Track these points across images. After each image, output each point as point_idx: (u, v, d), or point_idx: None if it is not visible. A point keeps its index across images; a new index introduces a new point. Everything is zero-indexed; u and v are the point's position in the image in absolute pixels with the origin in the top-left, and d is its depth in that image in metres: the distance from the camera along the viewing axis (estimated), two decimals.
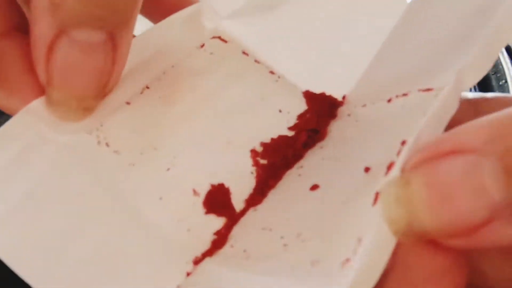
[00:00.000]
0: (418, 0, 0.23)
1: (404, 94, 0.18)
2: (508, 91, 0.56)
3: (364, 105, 0.21)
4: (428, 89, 0.17)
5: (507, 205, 0.13)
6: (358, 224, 0.15)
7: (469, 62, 0.17)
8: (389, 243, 0.14)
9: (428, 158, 0.14)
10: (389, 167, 0.15)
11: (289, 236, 0.17)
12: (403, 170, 0.14)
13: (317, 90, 0.23)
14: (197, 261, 0.18)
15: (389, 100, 0.19)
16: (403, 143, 0.15)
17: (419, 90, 0.18)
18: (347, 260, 0.14)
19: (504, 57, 0.57)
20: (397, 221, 0.14)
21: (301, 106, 0.23)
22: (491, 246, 0.13)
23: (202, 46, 0.23)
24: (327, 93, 0.23)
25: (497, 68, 0.57)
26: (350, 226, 0.15)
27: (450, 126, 0.18)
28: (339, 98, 0.23)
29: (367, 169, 0.16)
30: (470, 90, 0.59)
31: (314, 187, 0.18)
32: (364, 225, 0.14)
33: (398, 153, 0.15)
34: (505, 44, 0.17)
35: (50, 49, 0.17)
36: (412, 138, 0.15)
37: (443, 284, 0.15)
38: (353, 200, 0.16)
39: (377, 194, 0.14)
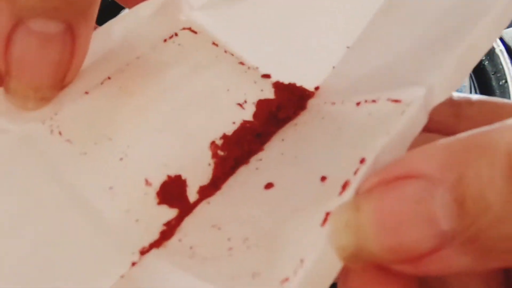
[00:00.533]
0: None
1: (373, 101, 0.18)
2: (508, 91, 0.55)
3: (334, 103, 0.20)
4: (397, 100, 0.17)
5: (456, 234, 0.12)
6: (303, 242, 0.14)
7: (440, 79, 0.16)
8: (333, 269, 0.14)
9: (381, 183, 0.14)
10: (344, 186, 0.14)
11: (236, 239, 0.16)
12: (356, 193, 0.14)
13: (288, 81, 0.22)
14: (143, 252, 0.18)
15: (358, 103, 0.18)
16: (362, 161, 0.15)
17: (388, 99, 0.17)
18: (286, 279, 0.13)
19: (504, 57, 0.57)
20: (345, 248, 0.14)
21: (270, 97, 0.22)
22: (440, 274, 0.13)
23: (171, 37, 0.22)
24: (298, 84, 0.22)
25: (497, 68, 0.56)
26: (296, 242, 0.14)
27: (430, 128, 0.17)
28: (311, 89, 0.22)
29: (323, 178, 0.16)
30: (471, 91, 0.59)
31: (269, 186, 0.18)
32: (309, 245, 0.14)
33: (356, 172, 0.14)
34: (476, 62, 0.17)
35: (8, 39, 0.17)
36: (371, 158, 0.14)
37: None
38: (304, 210, 0.15)
39: (327, 215, 0.14)
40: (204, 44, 0.23)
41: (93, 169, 0.19)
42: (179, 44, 0.22)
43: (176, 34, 0.22)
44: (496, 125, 0.13)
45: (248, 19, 0.23)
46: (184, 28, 0.23)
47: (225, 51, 0.23)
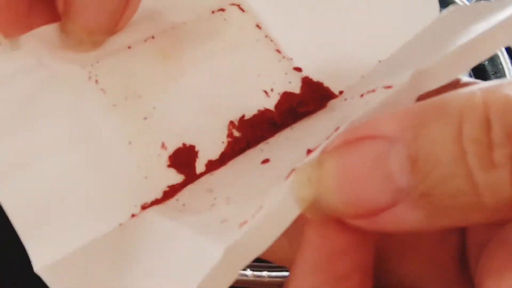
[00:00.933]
0: (447, 15, 0.22)
1: (373, 90, 0.18)
2: None
3: (345, 99, 0.21)
4: (389, 86, 0.17)
5: (409, 190, 0.13)
6: (267, 193, 0.15)
7: (436, 64, 0.16)
8: (288, 215, 0.14)
9: (344, 143, 0.14)
10: (315, 149, 0.15)
11: (220, 198, 0.17)
12: (322, 153, 0.14)
13: (317, 79, 0.23)
14: (144, 207, 0.19)
15: (361, 95, 0.19)
16: (336, 129, 0.15)
17: (383, 87, 0.17)
18: (245, 222, 0.15)
19: (504, 57, 0.58)
20: (305, 199, 0.14)
21: (295, 90, 0.22)
22: (394, 229, 0.14)
23: (219, 10, 0.22)
24: (325, 85, 0.22)
25: (497, 68, 0.59)
26: (263, 195, 0.15)
27: None
28: (336, 92, 0.22)
29: (308, 151, 0.17)
30: None
31: (265, 161, 0.19)
32: (270, 194, 0.15)
33: (328, 137, 0.15)
34: (484, 56, 0.16)
35: None
36: (344, 126, 0.15)
37: (346, 262, 0.15)
38: (284, 176, 0.16)
39: (292, 170, 0.15)
40: (248, 24, 0.23)
41: (119, 122, 0.19)
42: (224, 19, 0.23)
43: (223, 9, 0.23)
44: (454, 91, 0.13)
45: (296, 9, 0.23)
46: (233, 4, 0.23)
47: (266, 36, 0.23)
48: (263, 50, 0.23)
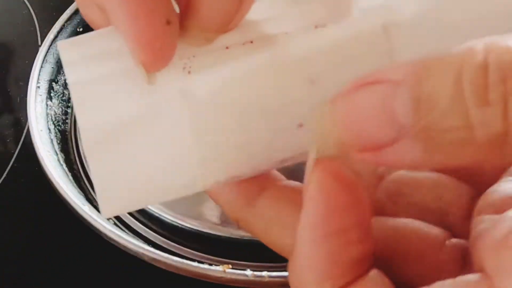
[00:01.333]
0: None
1: None
2: None
3: None
4: None
5: (410, 127, 0.14)
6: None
7: None
8: None
9: (355, 86, 0.16)
10: None
11: None
12: (337, 95, 0.16)
13: None
14: None
15: None
16: None
17: None
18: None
19: None
20: (318, 129, 0.16)
21: None
22: (396, 163, 0.16)
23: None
24: None
25: None
26: None
27: None
28: None
29: None
30: None
31: None
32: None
33: None
34: None
35: None
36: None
37: (344, 218, 0.17)
38: None
39: None
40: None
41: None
42: None
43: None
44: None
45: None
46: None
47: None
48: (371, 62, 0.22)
